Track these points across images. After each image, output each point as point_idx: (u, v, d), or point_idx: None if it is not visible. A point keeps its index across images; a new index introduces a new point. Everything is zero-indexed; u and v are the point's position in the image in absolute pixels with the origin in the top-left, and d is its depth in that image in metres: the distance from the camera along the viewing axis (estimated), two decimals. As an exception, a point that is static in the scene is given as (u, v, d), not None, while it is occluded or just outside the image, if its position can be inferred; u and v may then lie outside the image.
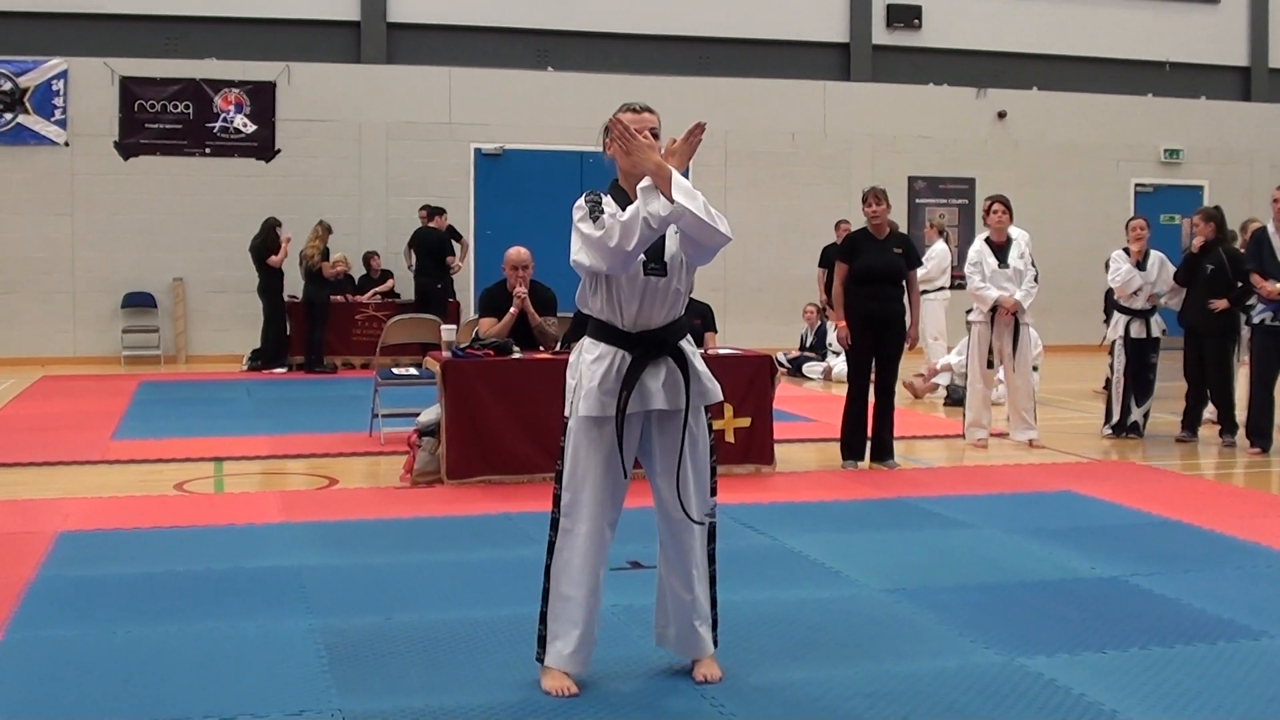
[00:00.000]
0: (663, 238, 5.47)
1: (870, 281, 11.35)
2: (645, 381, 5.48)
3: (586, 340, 5.60)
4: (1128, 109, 25.64)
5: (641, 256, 5.41)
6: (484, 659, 5.97)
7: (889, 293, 11.40)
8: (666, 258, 5.53)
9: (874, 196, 11.50)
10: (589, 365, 5.49)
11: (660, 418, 5.58)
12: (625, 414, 5.42)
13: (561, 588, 5.56)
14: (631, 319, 5.50)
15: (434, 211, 20.56)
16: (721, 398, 5.72)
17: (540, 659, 5.61)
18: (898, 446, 12.19)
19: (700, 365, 5.62)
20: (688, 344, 5.64)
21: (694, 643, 5.73)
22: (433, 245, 20.31)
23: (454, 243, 20.78)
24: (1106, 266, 14.20)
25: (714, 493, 5.66)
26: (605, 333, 5.54)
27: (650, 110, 6.01)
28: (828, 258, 17.38)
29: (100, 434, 13.19)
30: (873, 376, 11.53)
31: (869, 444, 11.55)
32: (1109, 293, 14.87)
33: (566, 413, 5.57)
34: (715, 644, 5.79)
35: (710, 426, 5.69)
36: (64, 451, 12.03)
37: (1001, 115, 25.00)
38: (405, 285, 21.33)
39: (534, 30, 23.47)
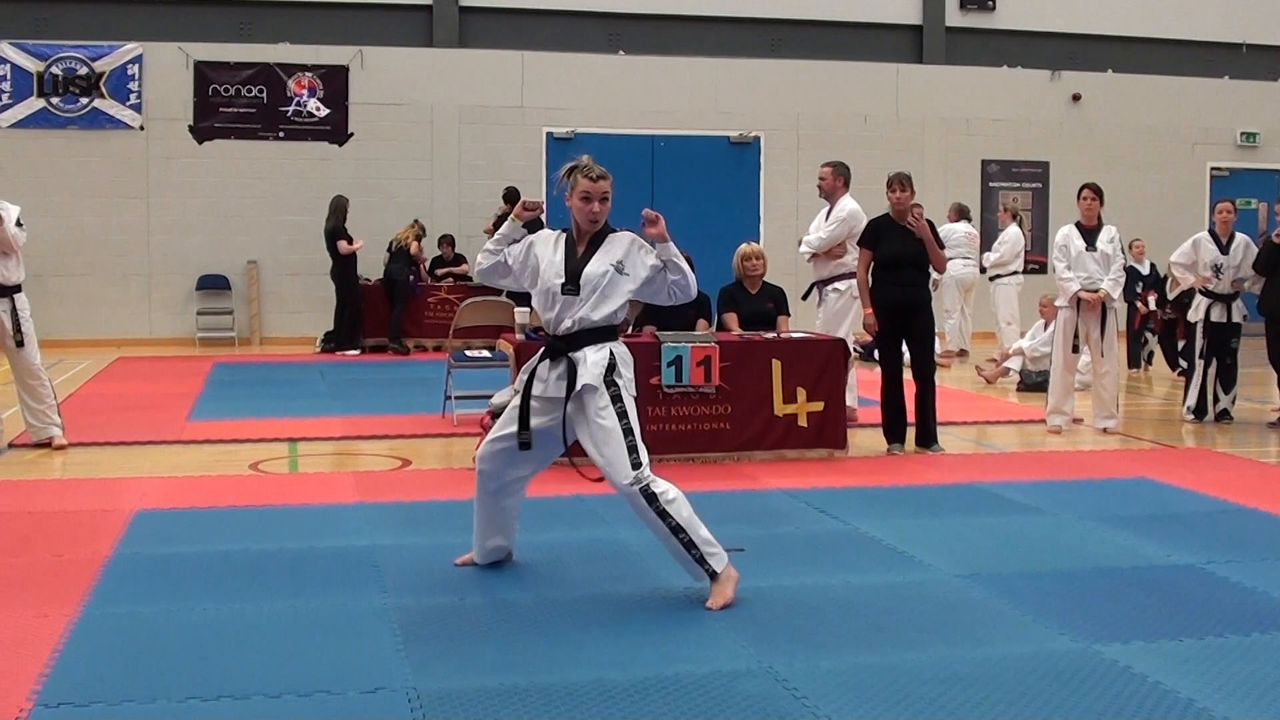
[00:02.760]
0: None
1: (894, 267, 11.31)
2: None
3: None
4: (1204, 91, 25.35)
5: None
6: (557, 639, 5.99)
7: (913, 278, 11.36)
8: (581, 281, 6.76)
9: (899, 182, 11.44)
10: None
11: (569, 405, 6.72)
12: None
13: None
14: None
15: (514, 196, 20.37)
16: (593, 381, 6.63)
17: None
18: (971, 432, 12.17)
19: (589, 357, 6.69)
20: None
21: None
22: (530, 229, 20.14)
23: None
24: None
25: (636, 464, 6.53)
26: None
27: (605, 177, 6.84)
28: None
29: (176, 414, 13.30)
30: (907, 362, 11.48)
31: (914, 429, 11.51)
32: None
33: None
34: (712, 576, 6.58)
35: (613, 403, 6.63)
36: (141, 431, 12.14)
37: (1076, 98, 24.79)
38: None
39: (605, 13, 23.44)
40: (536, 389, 6.77)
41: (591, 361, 6.65)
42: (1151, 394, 16.08)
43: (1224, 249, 13.39)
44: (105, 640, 5.94)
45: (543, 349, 6.85)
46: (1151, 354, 18.30)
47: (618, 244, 6.80)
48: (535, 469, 7.13)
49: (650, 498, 6.49)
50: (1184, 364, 16.62)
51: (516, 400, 6.87)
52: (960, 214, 20.02)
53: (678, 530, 6.50)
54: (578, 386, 6.62)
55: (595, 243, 6.80)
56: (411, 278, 20.49)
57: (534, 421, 6.77)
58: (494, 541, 7.21)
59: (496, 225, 20.13)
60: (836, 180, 12.73)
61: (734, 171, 22.97)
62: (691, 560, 6.55)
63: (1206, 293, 13.44)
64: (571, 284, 6.71)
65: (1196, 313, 13.55)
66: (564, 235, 6.91)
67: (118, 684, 5.35)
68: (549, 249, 6.88)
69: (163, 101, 21.59)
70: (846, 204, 12.56)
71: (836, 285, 12.65)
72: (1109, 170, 23.51)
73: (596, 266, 6.72)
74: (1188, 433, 12.88)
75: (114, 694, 5.24)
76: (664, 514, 6.49)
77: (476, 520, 7.18)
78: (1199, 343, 13.44)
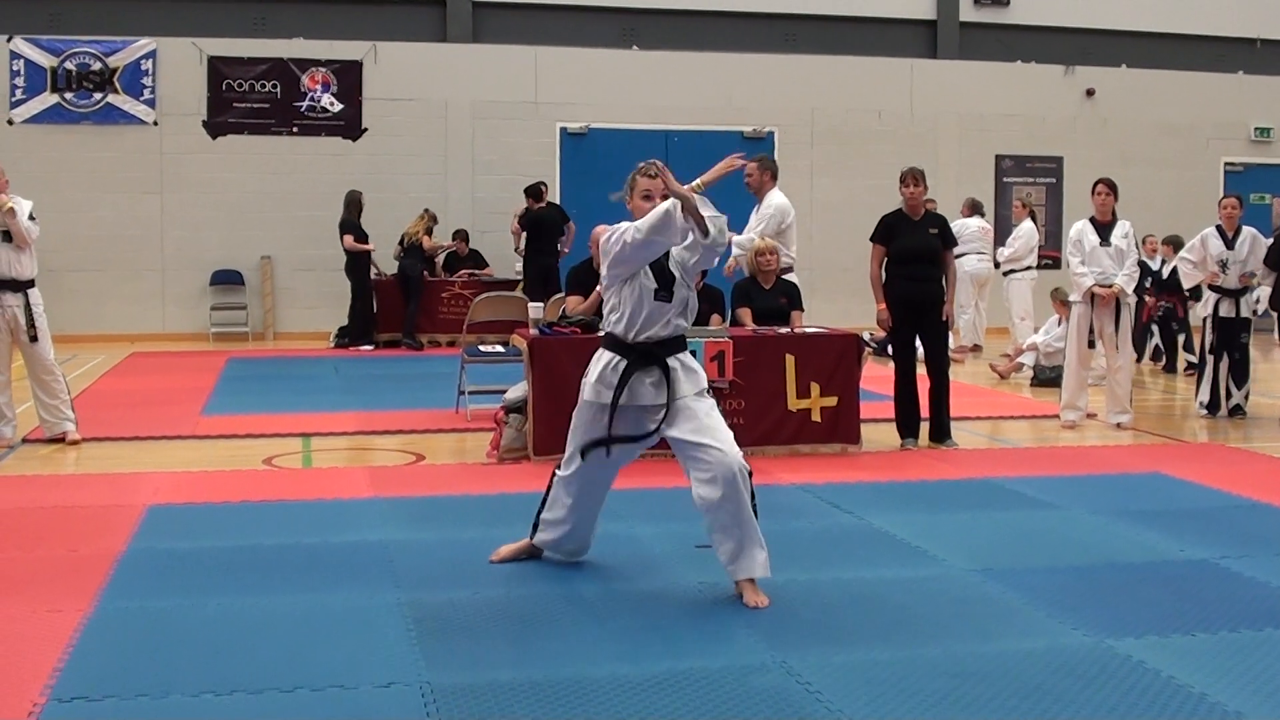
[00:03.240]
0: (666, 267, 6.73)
1: (907, 262, 11.31)
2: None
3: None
4: (1218, 87, 25.29)
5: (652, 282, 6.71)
6: (570, 633, 6.00)
7: (927, 273, 11.35)
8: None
9: (912, 177, 11.43)
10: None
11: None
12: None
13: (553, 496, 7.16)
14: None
15: (538, 192, 20.32)
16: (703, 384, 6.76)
17: (531, 537, 7.26)
18: (984, 427, 12.16)
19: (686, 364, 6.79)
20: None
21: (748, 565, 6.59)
22: (550, 226, 20.13)
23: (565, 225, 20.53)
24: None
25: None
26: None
27: (664, 171, 6.65)
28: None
29: (190, 409, 13.32)
30: (921, 357, 11.47)
31: (927, 425, 11.51)
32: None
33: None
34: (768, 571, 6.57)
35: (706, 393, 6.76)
36: (154, 426, 12.16)
37: (1090, 93, 24.75)
38: (504, 265, 21.39)
39: (619, 9, 23.42)
40: (625, 398, 6.69)
41: (692, 368, 6.76)
42: (1165, 389, 16.05)
43: (1230, 244, 13.38)
44: (119, 635, 5.96)
45: (623, 355, 6.73)
46: (1159, 348, 18.24)
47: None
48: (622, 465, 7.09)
49: (749, 475, 6.51)
50: (1190, 358, 16.68)
51: (589, 416, 6.85)
52: (973, 209, 19.99)
53: (754, 497, 6.54)
54: (687, 393, 6.64)
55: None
56: (425, 272, 20.49)
57: (620, 428, 6.74)
58: (572, 529, 7.16)
59: (521, 221, 20.20)
60: (764, 175, 12.51)
61: (748, 167, 22.94)
62: (755, 544, 6.49)
63: (1215, 288, 13.42)
64: (665, 290, 6.69)
65: (1205, 308, 13.53)
66: None
67: (131, 678, 5.36)
68: None
69: (177, 97, 21.61)
70: (773, 199, 12.37)
71: None
72: (1123, 165, 23.44)
73: (678, 272, 6.71)
74: (1201, 428, 12.87)
75: (128, 688, 5.25)
76: (753, 494, 6.53)
77: (565, 512, 7.08)
78: (1208, 338, 13.42)
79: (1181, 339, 17.42)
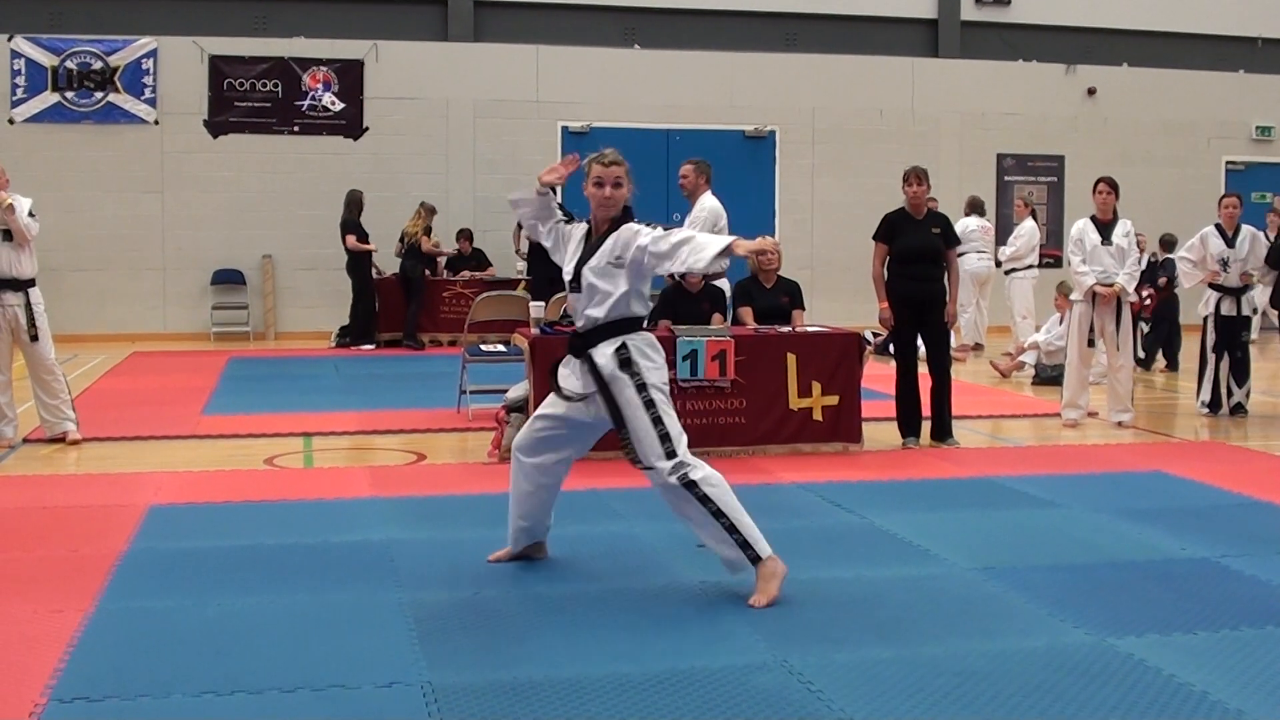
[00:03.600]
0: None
1: (910, 261, 11.32)
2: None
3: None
4: (1219, 85, 25.29)
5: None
6: (572, 633, 6.00)
7: (929, 272, 11.36)
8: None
9: (915, 177, 11.44)
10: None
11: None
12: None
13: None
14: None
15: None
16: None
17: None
18: (986, 426, 12.15)
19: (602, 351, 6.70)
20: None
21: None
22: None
23: None
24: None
25: (670, 454, 6.54)
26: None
27: (619, 163, 6.87)
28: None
29: (191, 409, 13.32)
30: (922, 355, 11.48)
31: (929, 423, 11.52)
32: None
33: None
34: (753, 560, 6.49)
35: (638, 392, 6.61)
36: (155, 426, 12.16)
37: (1091, 92, 24.75)
38: (505, 264, 21.39)
39: (621, 8, 23.43)
40: (564, 384, 6.82)
41: (604, 356, 6.64)
42: (1166, 388, 16.05)
43: (1230, 242, 13.38)
44: (120, 635, 5.95)
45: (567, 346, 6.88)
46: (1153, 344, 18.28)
47: (622, 235, 6.73)
48: (574, 453, 7.06)
49: (689, 485, 6.46)
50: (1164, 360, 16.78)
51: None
52: (973, 208, 19.96)
53: (719, 515, 6.45)
54: (616, 389, 6.62)
55: (604, 236, 6.78)
56: (426, 272, 20.48)
57: (566, 409, 6.83)
58: (523, 523, 7.18)
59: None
60: (699, 178, 12.39)
61: (749, 166, 22.94)
62: (734, 544, 6.45)
63: (1215, 286, 13.42)
64: (575, 281, 6.79)
65: (1206, 306, 13.52)
66: (586, 228, 6.96)
67: (132, 679, 5.36)
68: (574, 243, 6.93)
69: (177, 96, 21.63)
70: (706, 201, 12.21)
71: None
72: (1124, 164, 23.44)
73: (596, 261, 6.72)
74: (1202, 426, 12.87)
75: (128, 689, 5.25)
76: (704, 499, 6.46)
77: (512, 507, 7.17)
78: (1209, 337, 13.41)
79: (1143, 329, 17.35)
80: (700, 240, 6.56)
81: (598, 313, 6.70)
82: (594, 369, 6.66)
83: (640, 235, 6.65)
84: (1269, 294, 13.68)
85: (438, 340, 20.45)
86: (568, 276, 6.81)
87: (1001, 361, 16.84)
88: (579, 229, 6.96)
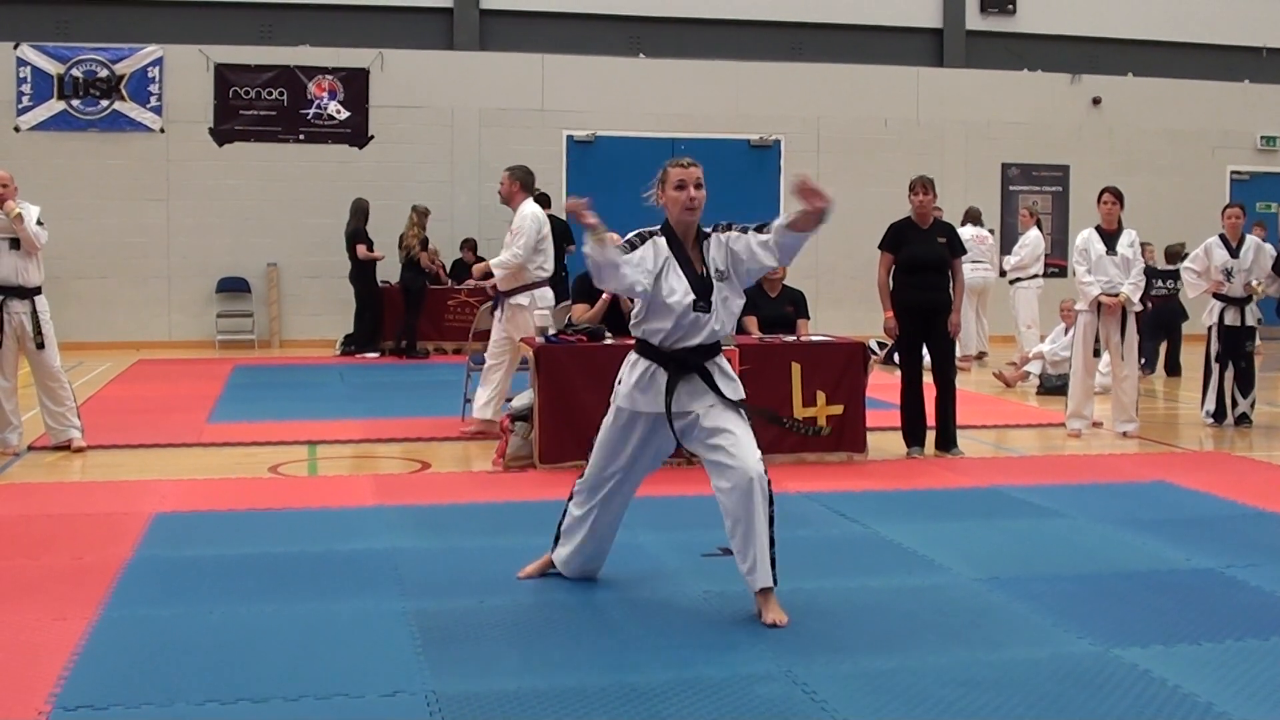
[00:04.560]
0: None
1: (915, 271, 11.32)
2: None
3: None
4: (1224, 95, 25.28)
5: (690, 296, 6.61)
6: (576, 642, 6.00)
7: (935, 282, 11.36)
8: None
9: (922, 186, 11.44)
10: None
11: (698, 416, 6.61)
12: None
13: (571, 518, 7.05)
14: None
15: (544, 201, 20.50)
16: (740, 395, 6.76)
17: (552, 550, 7.11)
18: (990, 435, 12.15)
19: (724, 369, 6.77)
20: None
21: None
22: (555, 235, 20.26)
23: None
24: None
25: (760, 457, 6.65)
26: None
27: (696, 164, 6.81)
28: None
29: (196, 417, 13.32)
30: (927, 365, 11.47)
31: (934, 433, 11.51)
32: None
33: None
34: (774, 582, 6.38)
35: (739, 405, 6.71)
36: (160, 434, 12.16)
37: (1096, 101, 24.74)
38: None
39: (626, 16, 23.45)
40: (653, 406, 6.64)
41: (729, 374, 6.73)
42: (1171, 398, 16.04)
43: (1234, 252, 13.38)
44: (124, 643, 5.95)
45: (657, 362, 6.64)
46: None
47: (714, 247, 6.71)
48: (645, 474, 7.04)
49: (769, 484, 6.53)
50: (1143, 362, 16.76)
51: (612, 420, 6.77)
52: (968, 217, 19.78)
53: (772, 521, 6.44)
54: (723, 398, 6.63)
55: (701, 249, 6.70)
56: (426, 283, 20.42)
57: (631, 456, 6.78)
58: (590, 551, 7.06)
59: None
60: (514, 185, 12.27)
61: (754, 175, 22.95)
62: (767, 561, 6.37)
63: (1220, 296, 13.41)
64: (704, 300, 6.60)
65: (1210, 316, 13.52)
66: (662, 241, 6.70)
67: (136, 687, 5.37)
68: (661, 257, 6.64)
69: (183, 104, 21.65)
70: (525, 209, 12.08)
71: (518, 299, 11.98)
72: (1129, 174, 23.42)
73: (717, 279, 6.66)
74: (1206, 436, 12.86)
75: (132, 697, 5.25)
76: (772, 501, 6.48)
77: (581, 548, 7.00)
78: (1214, 347, 13.40)
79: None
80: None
81: (726, 327, 6.73)
82: (708, 378, 6.61)
83: (734, 239, 6.73)
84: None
85: (442, 349, 20.44)
86: (689, 297, 6.58)
87: (1007, 371, 16.83)
88: (659, 241, 6.70)
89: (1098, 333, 12.48)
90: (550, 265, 12.21)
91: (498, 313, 12.14)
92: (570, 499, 7.03)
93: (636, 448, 6.75)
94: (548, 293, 12.05)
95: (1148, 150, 24.80)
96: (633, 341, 6.78)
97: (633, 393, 6.65)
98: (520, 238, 11.86)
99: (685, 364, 6.60)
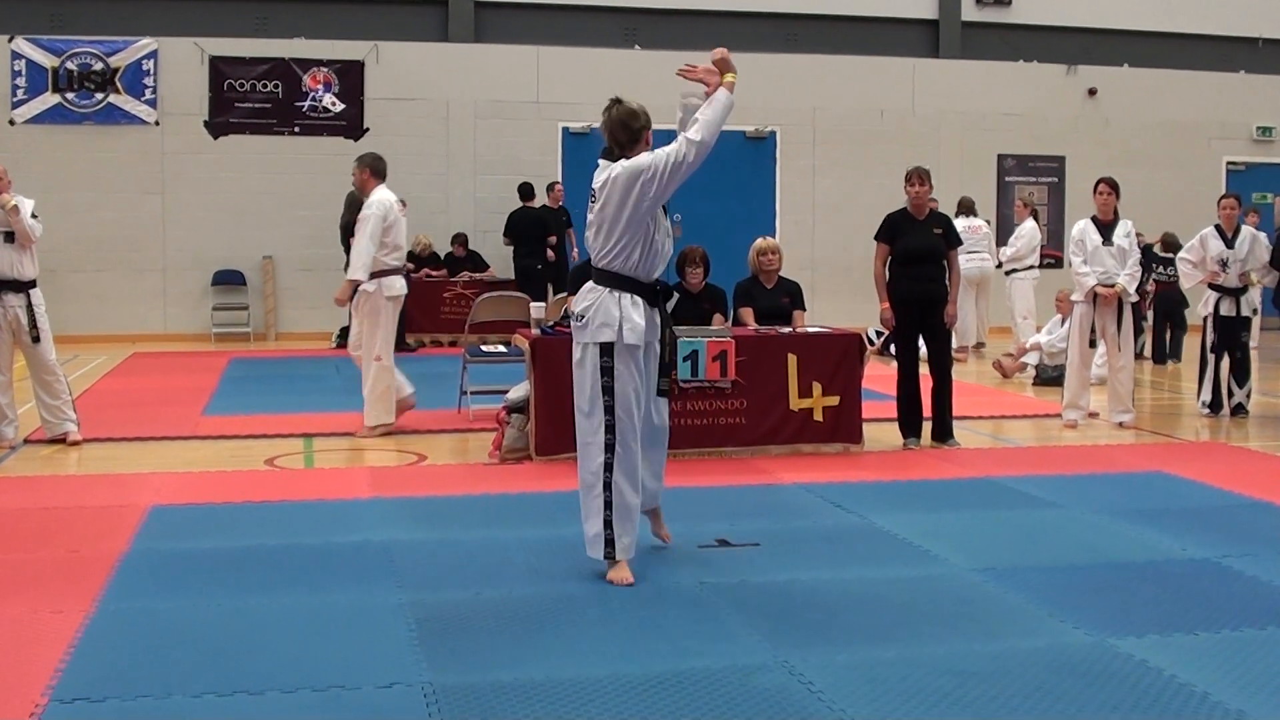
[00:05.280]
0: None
1: (911, 262, 11.31)
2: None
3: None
4: (1220, 86, 25.27)
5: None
6: (572, 633, 6.00)
7: (931, 273, 11.36)
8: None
9: (918, 177, 11.44)
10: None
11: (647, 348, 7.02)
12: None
13: (625, 498, 6.94)
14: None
15: (527, 191, 20.66)
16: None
17: (610, 556, 6.87)
18: (987, 426, 12.15)
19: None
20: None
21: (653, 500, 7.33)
22: (530, 225, 20.41)
23: (568, 227, 20.81)
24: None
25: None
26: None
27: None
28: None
29: (191, 410, 13.32)
30: (924, 356, 11.48)
31: (930, 424, 11.52)
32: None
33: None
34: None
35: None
36: (156, 427, 12.16)
37: (1092, 92, 24.73)
38: (505, 265, 21.38)
39: (621, 8, 23.42)
40: (648, 336, 7.04)
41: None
42: (1167, 389, 16.05)
43: (1229, 243, 13.38)
44: (120, 635, 5.96)
45: (636, 294, 7.00)
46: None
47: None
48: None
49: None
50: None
51: (625, 367, 6.96)
52: (962, 208, 19.71)
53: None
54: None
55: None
56: (412, 275, 20.39)
57: (635, 392, 7.04)
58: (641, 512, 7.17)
59: (508, 225, 20.31)
60: (364, 174, 12.11)
61: (750, 166, 22.94)
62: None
63: (1215, 287, 13.42)
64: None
65: (1206, 307, 13.52)
66: None
67: (133, 679, 5.37)
68: None
69: (178, 97, 21.61)
70: (372, 197, 11.93)
71: (366, 285, 11.79)
72: (1125, 165, 23.38)
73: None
74: (1203, 427, 12.86)
75: (129, 689, 5.25)
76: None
77: (629, 515, 6.99)
78: (1209, 337, 13.41)
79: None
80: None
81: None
82: (664, 313, 7.12)
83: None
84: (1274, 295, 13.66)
85: (438, 340, 20.45)
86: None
87: (1005, 361, 16.82)
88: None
89: (1094, 323, 12.48)
90: (402, 256, 12.22)
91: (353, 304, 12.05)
92: (608, 472, 6.95)
93: (642, 377, 7.03)
94: (396, 281, 11.94)
95: (1143, 141, 24.79)
96: None
97: (640, 327, 6.95)
98: (365, 225, 11.75)
99: (657, 292, 7.09)
